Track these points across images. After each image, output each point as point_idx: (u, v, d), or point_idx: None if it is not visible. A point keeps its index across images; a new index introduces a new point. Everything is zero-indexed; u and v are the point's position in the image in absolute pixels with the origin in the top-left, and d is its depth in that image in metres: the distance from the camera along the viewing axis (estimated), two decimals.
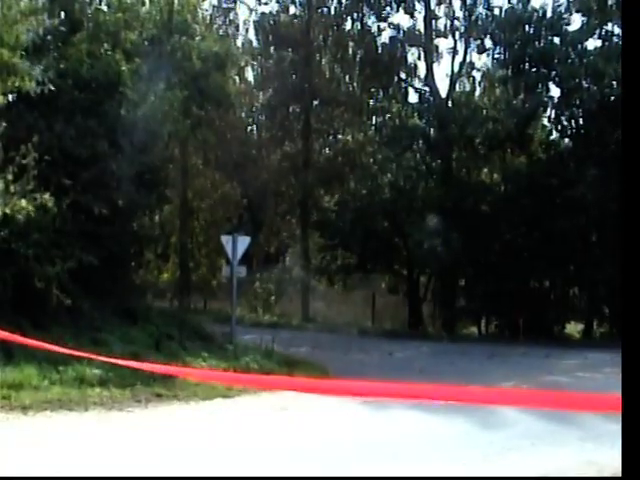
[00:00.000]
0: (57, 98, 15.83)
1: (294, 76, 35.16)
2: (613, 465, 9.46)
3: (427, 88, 33.67)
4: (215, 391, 14.01)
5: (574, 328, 30.97)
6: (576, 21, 29.77)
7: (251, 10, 36.29)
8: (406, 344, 24.43)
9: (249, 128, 38.38)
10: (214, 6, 34.21)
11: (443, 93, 32.95)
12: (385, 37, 34.67)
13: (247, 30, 36.68)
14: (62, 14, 18.07)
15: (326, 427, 11.49)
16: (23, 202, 13.94)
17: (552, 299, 30.46)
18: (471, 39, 32.63)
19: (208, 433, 10.78)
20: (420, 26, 33.74)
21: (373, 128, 35.93)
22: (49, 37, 16.70)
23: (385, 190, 32.75)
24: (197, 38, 25.38)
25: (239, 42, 36.24)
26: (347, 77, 36.05)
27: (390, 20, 34.39)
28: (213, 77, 24.62)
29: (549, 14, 29.49)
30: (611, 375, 17.06)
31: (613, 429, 11.32)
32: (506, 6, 30.75)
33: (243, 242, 20.13)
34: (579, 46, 28.58)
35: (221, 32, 33.75)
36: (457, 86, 33.97)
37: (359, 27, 34.91)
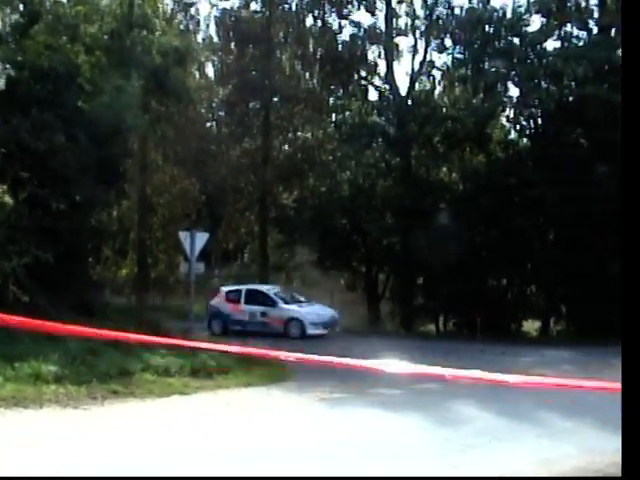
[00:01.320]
0: (14, 90, 15.60)
1: (254, 72, 35.01)
2: (567, 462, 9.55)
3: (387, 86, 33.73)
4: (172, 388, 13.93)
5: (531, 326, 31.19)
6: (536, 22, 30.01)
7: (212, 5, 36.07)
8: (364, 341, 24.43)
9: (209, 124, 38.19)
10: (175, 1, 33.97)
11: (403, 91, 33.04)
12: (346, 35, 34.71)
13: (208, 25, 36.61)
14: (21, 6, 17.85)
15: (286, 425, 11.46)
16: None
17: (509, 297, 30.65)
18: (431, 38, 32.75)
19: (164, 431, 10.68)
20: (381, 24, 33.82)
21: (333, 125, 35.92)
22: (8, 29, 16.45)
23: (344, 187, 32.79)
24: (157, 32, 25.23)
25: (200, 37, 36.11)
26: (307, 74, 36.01)
27: (351, 18, 34.42)
28: (173, 72, 24.47)
29: (509, 14, 29.65)
30: (568, 373, 17.23)
31: (568, 426, 11.45)
32: (466, 6, 30.92)
33: (201, 238, 20.02)
34: (538, 47, 28.78)
35: (182, 27, 33.58)
36: (417, 84, 34.06)
37: (320, 24, 34.86)
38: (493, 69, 29.31)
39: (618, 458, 10.04)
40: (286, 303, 26.34)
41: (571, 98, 27.74)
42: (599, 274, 25.51)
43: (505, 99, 29.94)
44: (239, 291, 27.02)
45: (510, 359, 19.98)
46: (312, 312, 25.97)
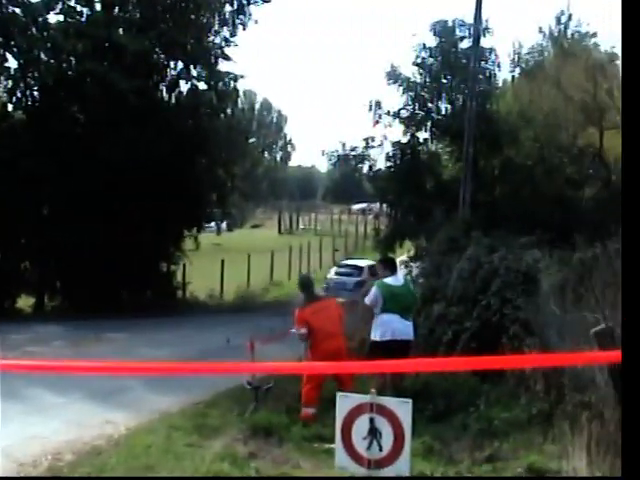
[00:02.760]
0: None
1: None
2: (57, 437, 9.62)
3: None
4: None
5: (26, 302, 30.60)
6: None
7: None
8: None
9: None
10: None
11: None
12: None
13: None
14: None
15: None
16: None
17: (3, 273, 29.66)
18: None
19: None
20: None
21: None
22: None
23: None
24: None
25: None
26: None
27: None
28: None
29: None
30: (60, 348, 17.33)
31: (58, 402, 11.52)
32: None
33: None
34: (40, 19, 28.16)
35: None
36: None
37: None
38: None
39: (105, 430, 10.38)
40: None
41: (70, 73, 27.67)
42: (91, 249, 26.01)
43: (3, 70, 28.84)
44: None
45: (1, 336, 19.48)
46: None
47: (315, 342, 10.77)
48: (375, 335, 11.23)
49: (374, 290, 11.44)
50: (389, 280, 11.59)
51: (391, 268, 11.93)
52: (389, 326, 11.17)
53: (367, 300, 11.46)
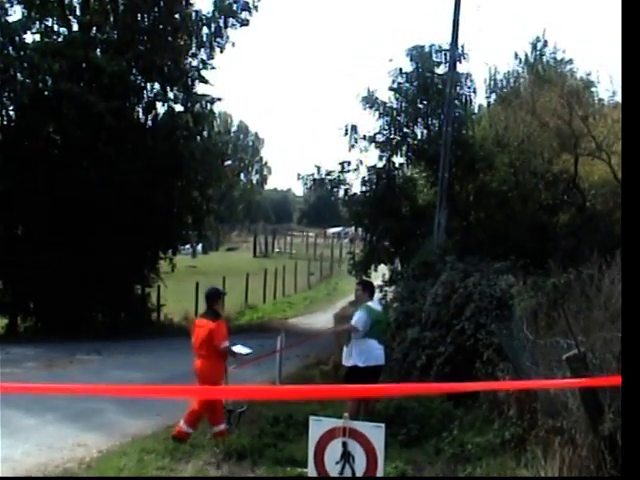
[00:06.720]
0: None
1: None
2: (27, 460, 9.53)
3: None
4: None
5: None
6: (17, 13, 29.18)
7: None
8: None
9: None
10: None
11: None
12: None
13: None
14: None
15: None
16: None
17: None
18: None
19: None
20: None
21: None
22: None
23: None
24: None
25: None
26: None
27: None
28: None
29: None
30: (32, 369, 17.19)
31: (30, 424, 11.43)
32: None
33: None
34: (17, 38, 28.10)
35: None
36: None
37: None
38: None
39: (77, 453, 10.32)
40: None
41: (47, 93, 27.58)
42: (65, 270, 25.89)
43: None
44: None
45: None
46: None
47: None
48: (358, 361, 10.99)
49: (363, 314, 11.15)
50: (372, 304, 11.49)
51: (370, 292, 11.79)
52: (372, 352, 11.06)
53: (356, 324, 11.06)
